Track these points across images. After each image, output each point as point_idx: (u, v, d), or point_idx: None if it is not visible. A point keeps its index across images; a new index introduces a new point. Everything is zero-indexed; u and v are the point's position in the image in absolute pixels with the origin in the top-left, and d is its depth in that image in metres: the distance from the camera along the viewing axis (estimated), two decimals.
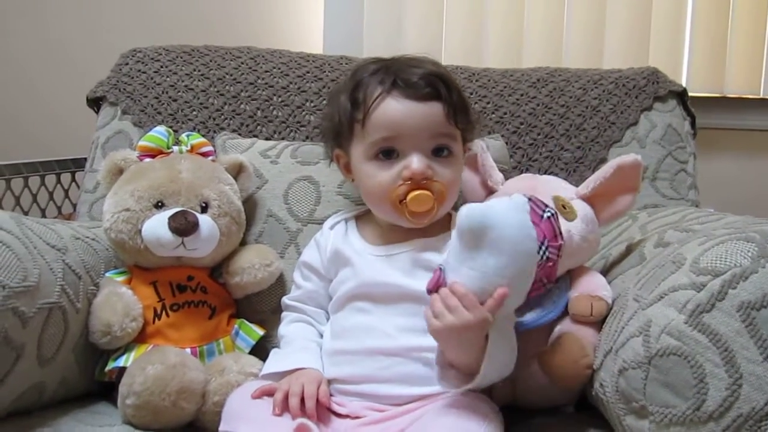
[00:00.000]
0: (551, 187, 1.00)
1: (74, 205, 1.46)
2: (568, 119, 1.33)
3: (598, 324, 0.91)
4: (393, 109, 0.88)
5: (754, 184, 1.76)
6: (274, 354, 0.94)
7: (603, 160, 1.30)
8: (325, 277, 0.99)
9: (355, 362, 0.87)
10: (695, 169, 1.33)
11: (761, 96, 1.73)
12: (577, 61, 1.65)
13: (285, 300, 1.02)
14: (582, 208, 0.97)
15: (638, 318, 0.77)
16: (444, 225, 0.94)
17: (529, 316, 0.92)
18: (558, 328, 0.93)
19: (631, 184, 0.98)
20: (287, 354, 0.93)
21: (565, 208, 0.95)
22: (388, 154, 0.90)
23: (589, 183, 0.99)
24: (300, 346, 0.95)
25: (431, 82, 0.89)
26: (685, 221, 1.01)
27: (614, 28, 1.69)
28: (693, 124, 1.36)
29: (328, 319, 0.98)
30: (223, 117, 1.33)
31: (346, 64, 1.39)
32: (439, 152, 0.90)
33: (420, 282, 0.86)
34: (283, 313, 1.02)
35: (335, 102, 0.97)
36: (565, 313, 0.94)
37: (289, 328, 0.99)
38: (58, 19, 1.84)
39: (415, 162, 0.87)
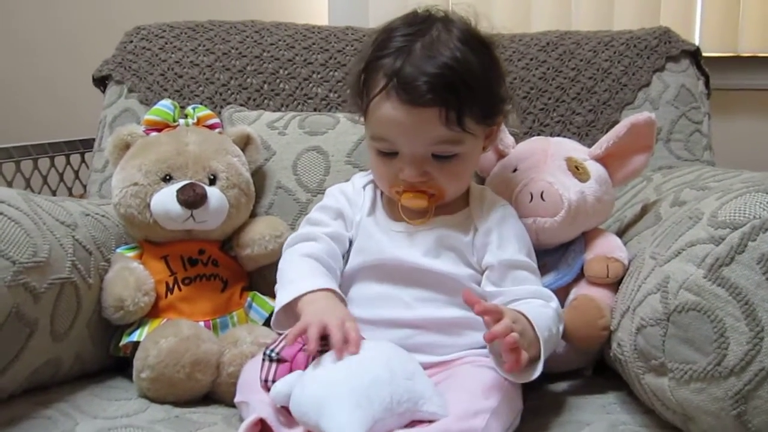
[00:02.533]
0: (563, 148, 0.99)
1: (84, 186, 1.46)
2: (579, 82, 1.31)
3: (615, 285, 0.91)
4: (388, 114, 0.82)
5: None
6: (280, 289, 0.86)
7: (615, 123, 1.23)
8: (349, 227, 0.92)
9: (374, 331, 0.84)
10: (710, 130, 1.30)
11: None
12: (587, 23, 1.61)
13: (294, 236, 0.93)
14: (595, 169, 0.95)
15: (656, 275, 0.75)
16: (464, 201, 0.91)
17: (545, 280, 0.91)
18: (574, 291, 0.92)
19: (644, 143, 0.96)
20: (295, 281, 0.84)
21: (578, 169, 0.94)
22: (387, 151, 0.86)
23: (602, 143, 0.98)
24: (310, 270, 0.86)
25: (433, 86, 0.80)
26: (701, 180, 0.99)
27: None
28: (707, 84, 1.33)
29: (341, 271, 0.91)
30: (229, 92, 1.32)
31: (352, 34, 1.37)
32: (439, 155, 0.85)
33: (441, 262, 0.86)
34: (290, 248, 0.91)
35: (354, 66, 0.91)
36: (580, 275, 0.93)
37: (296, 261, 0.89)
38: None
39: (407, 171, 0.84)
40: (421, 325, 0.84)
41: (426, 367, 0.80)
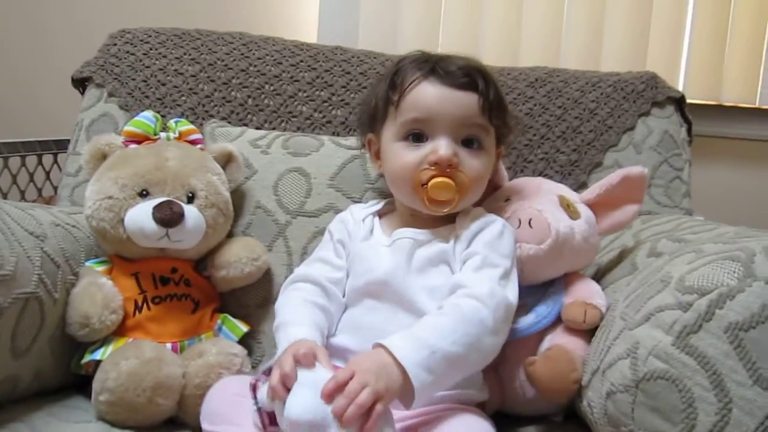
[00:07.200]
0: (557, 187, 1.01)
1: (55, 188, 1.42)
2: (565, 121, 1.31)
3: (588, 333, 0.90)
4: (427, 92, 0.89)
5: (748, 193, 1.75)
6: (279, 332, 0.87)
7: (599, 164, 1.29)
8: (346, 258, 0.95)
9: None
10: (689, 177, 1.31)
11: (757, 105, 1.72)
12: (575, 62, 1.62)
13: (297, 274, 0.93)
14: (585, 211, 0.97)
15: (625, 338, 0.75)
16: (451, 216, 0.92)
17: (524, 323, 0.91)
18: (549, 338, 0.92)
19: (635, 196, 0.98)
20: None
21: (569, 206, 0.95)
22: (417, 137, 0.89)
23: (594, 189, 0.99)
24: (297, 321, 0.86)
25: (469, 72, 0.89)
26: (678, 230, 0.99)
27: (613, 31, 1.67)
28: (689, 131, 1.35)
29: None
30: (212, 104, 1.29)
31: (341, 54, 1.36)
32: (469, 143, 0.90)
33: (425, 275, 0.87)
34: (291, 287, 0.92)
35: (375, 87, 0.99)
36: (557, 320, 0.92)
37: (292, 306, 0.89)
38: None
39: (443, 147, 0.87)
40: None
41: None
